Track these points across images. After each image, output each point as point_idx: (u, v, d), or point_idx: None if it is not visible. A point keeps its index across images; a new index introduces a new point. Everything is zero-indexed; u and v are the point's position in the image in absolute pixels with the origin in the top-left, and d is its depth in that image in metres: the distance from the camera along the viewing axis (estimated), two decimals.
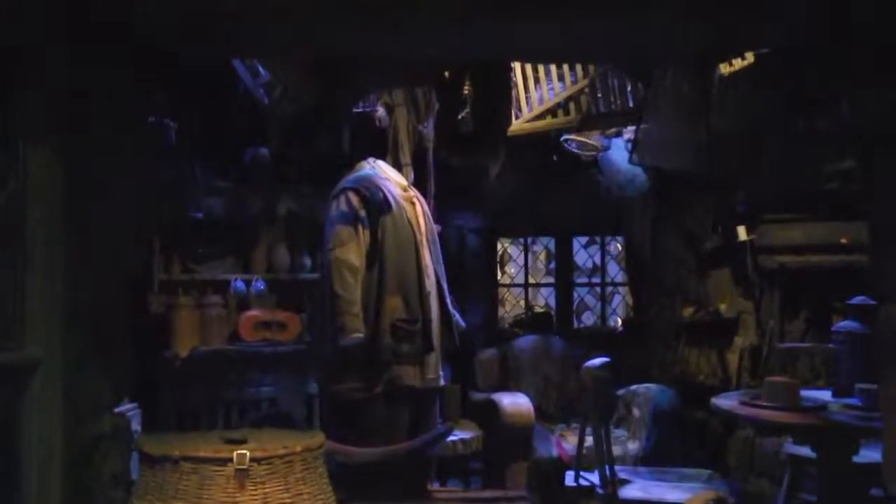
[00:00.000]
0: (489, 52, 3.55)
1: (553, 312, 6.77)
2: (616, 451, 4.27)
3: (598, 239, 6.99)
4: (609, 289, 7.03)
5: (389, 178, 4.19)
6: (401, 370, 3.93)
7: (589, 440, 3.86)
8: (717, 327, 5.37)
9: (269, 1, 2.07)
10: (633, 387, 5.38)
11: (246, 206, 5.57)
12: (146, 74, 2.52)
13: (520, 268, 7.21)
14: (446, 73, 5.13)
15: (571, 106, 5.22)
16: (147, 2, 2.08)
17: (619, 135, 5.43)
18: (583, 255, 7.12)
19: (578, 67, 5.15)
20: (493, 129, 5.55)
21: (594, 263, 7.16)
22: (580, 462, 3.99)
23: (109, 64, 2.25)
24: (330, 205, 4.07)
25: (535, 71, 5.32)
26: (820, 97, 4.07)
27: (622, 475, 3.73)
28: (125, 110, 2.39)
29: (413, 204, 4.16)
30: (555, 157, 5.98)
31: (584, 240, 7.04)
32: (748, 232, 5.10)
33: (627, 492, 3.58)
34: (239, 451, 2.21)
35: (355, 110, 4.85)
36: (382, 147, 4.63)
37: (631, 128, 5.06)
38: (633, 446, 5.05)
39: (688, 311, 5.59)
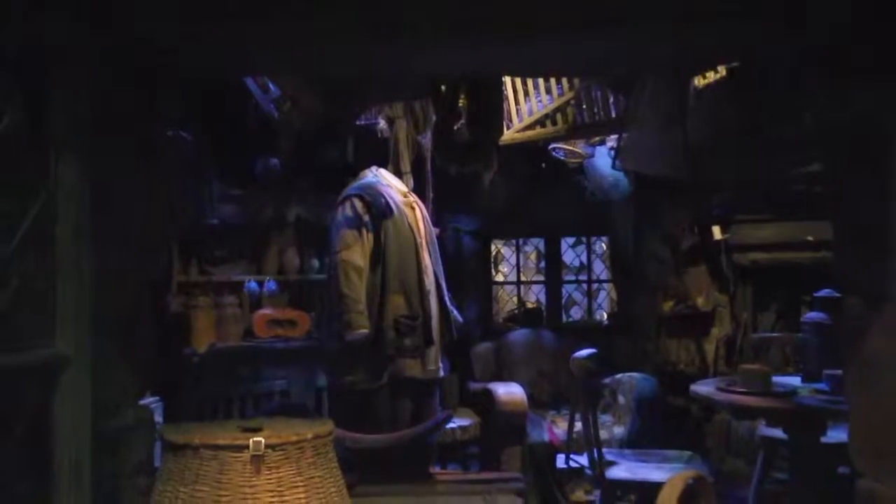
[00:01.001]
0: (481, 68, 3.56)
1: (543, 308, 6.76)
2: (603, 435, 4.27)
3: (584, 239, 7.00)
4: (595, 285, 7.04)
5: (391, 185, 4.19)
6: (403, 363, 3.93)
7: (578, 425, 3.86)
8: (694, 320, 5.39)
9: (279, 25, 2.07)
10: (618, 376, 5.38)
11: (258, 212, 5.57)
12: (164, 92, 2.52)
13: (512, 267, 7.21)
14: (442, 88, 5.14)
15: (558, 117, 5.21)
16: (162, 26, 2.08)
17: (602, 143, 5.44)
18: (570, 254, 7.12)
19: (564, 81, 5.15)
20: (487, 138, 5.53)
21: (581, 262, 7.16)
22: (570, 446, 4.00)
23: (130, 84, 2.26)
24: (336, 210, 4.06)
25: (525, 84, 5.32)
26: (787, 107, 4.07)
27: (609, 457, 3.74)
28: (145, 126, 2.40)
29: (413, 209, 4.16)
30: (543, 165, 5.99)
31: (571, 240, 7.05)
32: (722, 231, 5.13)
33: (614, 472, 3.58)
34: (255, 439, 2.21)
35: (358, 123, 4.85)
36: (384, 156, 4.62)
37: (613, 136, 5.06)
38: (618, 430, 5.06)
39: (667, 305, 5.60)
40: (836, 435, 3.36)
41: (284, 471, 2.22)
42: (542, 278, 7.01)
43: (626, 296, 6.37)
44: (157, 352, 2.75)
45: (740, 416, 4.70)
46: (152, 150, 2.45)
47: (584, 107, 5.09)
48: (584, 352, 3.75)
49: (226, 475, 2.18)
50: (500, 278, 7.20)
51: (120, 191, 2.19)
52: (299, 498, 2.22)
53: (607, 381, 5.31)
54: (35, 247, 1.89)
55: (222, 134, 5.26)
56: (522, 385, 5.22)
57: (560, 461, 4.37)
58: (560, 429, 4.87)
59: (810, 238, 4.58)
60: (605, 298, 7.11)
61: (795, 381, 3.73)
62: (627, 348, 5.98)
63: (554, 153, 5.62)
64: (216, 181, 5.35)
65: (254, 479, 2.18)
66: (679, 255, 5.60)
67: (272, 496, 2.19)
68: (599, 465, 3.54)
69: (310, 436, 2.29)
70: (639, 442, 4.90)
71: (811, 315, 3.82)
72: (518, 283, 7.12)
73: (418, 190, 4.69)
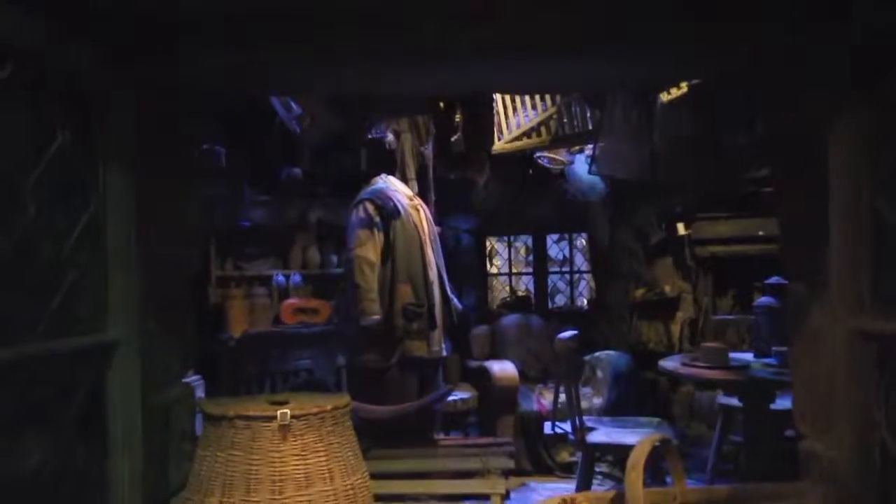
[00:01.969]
0: (477, 87, 3.55)
1: (532, 296, 6.76)
2: (584, 405, 4.27)
3: (566, 235, 6.98)
4: (576, 276, 7.03)
5: (398, 189, 4.19)
6: (411, 344, 3.93)
7: (562, 397, 3.87)
8: (662, 304, 5.38)
9: (300, 50, 2.06)
10: (597, 353, 5.39)
11: (283, 215, 5.58)
12: (201, 110, 2.52)
13: (504, 260, 7.20)
14: (441, 105, 5.13)
15: (542, 129, 5.20)
16: (202, 53, 2.07)
17: (580, 151, 5.43)
18: (555, 249, 7.11)
19: (548, 98, 5.14)
20: (480, 148, 5.53)
21: (564, 255, 7.15)
22: (555, 414, 4.00)
23: (171, 103, 2.25)
24: (351, 213, 4.06)
25: (513, 101, 5.32)
26: (741, 119, 4.07)
27: (589, 424, 3.74)
28: (184, 140, 2.39)
29: (417, 210, 4.15)
30: (530, 171, 5.98)
31: (555, 236, 7.03)
32: (685, 227, 5.12)
33: (593, 437, 3.59)
34: (281, 411, 2.21)
35: (370, 136, 4.84)
36: (392, 165, 4.62)
37: (590, 145, 5.06)
38: (597, 401, 5.06)
39: (639, 292, 5.59)
40: (783, 402, 3.37)
41: (307, 438, 2.22)
42: (530, 270, 7.00)
43: (603, 284, 6.36)
44: (197, 337, 2.75)
45: (702, 387, 4.72)
46: (191, 162, 2.45)
47: (565, 120, 5.09)
48: (567, 333, 3.75)
49: (257, 442, 2.18)
50: (493, 270, 7.19)
51: (163, 196, 2.19)
52: (320, 461, 2.22)
53: (587, 358, 5.30)
54: (89, 246, 1.90)
55: (251, 147, 5.27)
56: (514, 362, 5.24)
57: (547, 428, 4.37)
58: (547, 400, 4.88)
59: (762, 232, 4.58)
60: (585, 287, 7.10)
61: (749, 356, 3.73)
62: (604, 330, 5.98)
63: (539, 161, 5.62)
64: (247, 188, 5.35)
65: (281, 445, 2.18)
66: (648, 249, 5.59)
67: (297, 460, 2.19)
68: (581, 430, 3.55)
69: (329, 407, 2.29)
70: (614, 410, 4.91)
71: (762, 299, 3.82)
72: (510, 274, 7.12)
73: (422, 194, 4.69)
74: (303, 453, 2.19)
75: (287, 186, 5.50)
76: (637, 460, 1.82)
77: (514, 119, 5.34)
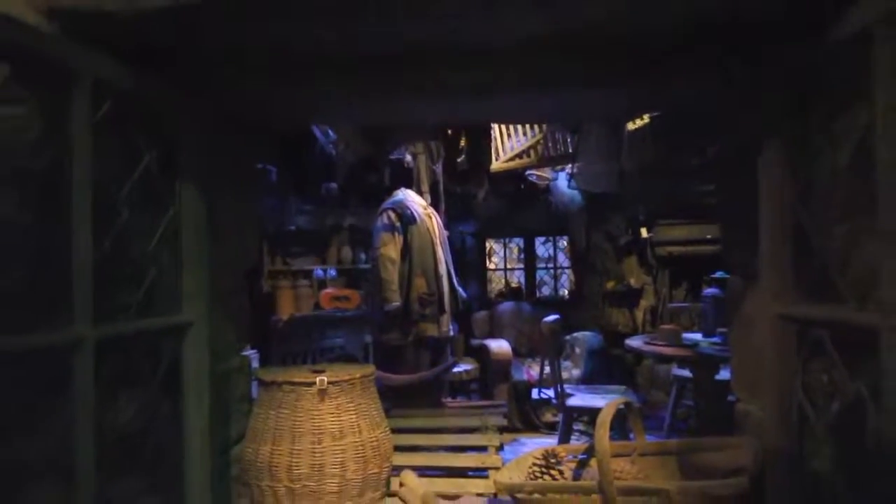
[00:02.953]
0: (478, 118, 3.54)
1: (523, 287, 6.77)
2: (564, 375, 4.29)
3: (551, 238, 6.99)
4: (559, 270, 7.03)
5: (415, 200, 4.21)
6: (425, 326, 3.96)
7: (547, 369, 3.87)
8: (628, 294, 5.38)
9: (337, 91, 2.07)
10: (575, 334, 5.40)
11: (322, 221, 5.61)
12: (257, 137, 2.53)
13: (501, 258, 7.20)
14: (449, 131, 5.15)
15: (532, 151, 5.22)
16: (258, 89, 2.08)
17: (562, 170, 5.44)
18: (542, 249, 7.11)
19: (536, 126, 5.16)
20: (481, 167, 5.56)
21: (549, 254, 7.15)
22: (541, 383, 4.01)
23: (234, 130, 2.28)
24: (376, 219, 4.09)
25: (508, 129, 5.33)
26: (693, 146, 4.07)
27: (568, 391, 3.75)
28: (243, 161, 2.41)
29: (430, 217, 4.18)
30: (522, 186, 6.00)
31: (542, 239, 7.03)
32: (648, 231, 5.12)
33: (571, 401, 3.59)
34: (320, 378, 2.24)
35: (391, 157, 4.88)
36: (410, 180, 4.64)
37: (570, 165, 5.07)
38: (575, 372, 5.07)
39: (610, 284, 5.60)
40: (725, 374, 3.36)
41: (341, 399, 2.26)
42: (521, 266, 7.00)
43: (580, 278, 6.37)
44: (252, 319, 2.77)
45: (660, 362, 4.71)
46: (248, 178, 2.46)
47: (550, 144, 5.10)
48: (551, 317, 3.76)
49: (300, 402, 2.22)
50: (492, 266, 7.20)
51: (226, 207, 2.21)
52: (351, 418, 2.26)
53: (567, 337, 5.32)
54: (168, 246, 1.92)
55: (297, 166, 5.30)
56: (508, 341, 5.26)
57: (534, 394, 4.39)
58: (534, 371, 4.89)
59: (709, 236, 4.57)
60: (566, 280, 7.11)
61: (698, 336, 3.73)
62: (582, 315, 5.99)
63: (529, 177, 5.64)
64: (293, 199, 5.39)
65: (320, 405, 2.22)
66: (617, 249, 5.60)
67: (332, 416, 2.23)
68: (562, 396, 3.56)
69: (358, 375, 2.32)
70: (589, 380, 4.92)
71: (709, 290, 3.82)
72: (505, 269, 7.13)
73: (434, 204, 4.70)
74: (337, 411, 2.23)
75: (325, 198, 5.54)
76: (604, 419, 1.83)
77: (509, 143, 5.35)
